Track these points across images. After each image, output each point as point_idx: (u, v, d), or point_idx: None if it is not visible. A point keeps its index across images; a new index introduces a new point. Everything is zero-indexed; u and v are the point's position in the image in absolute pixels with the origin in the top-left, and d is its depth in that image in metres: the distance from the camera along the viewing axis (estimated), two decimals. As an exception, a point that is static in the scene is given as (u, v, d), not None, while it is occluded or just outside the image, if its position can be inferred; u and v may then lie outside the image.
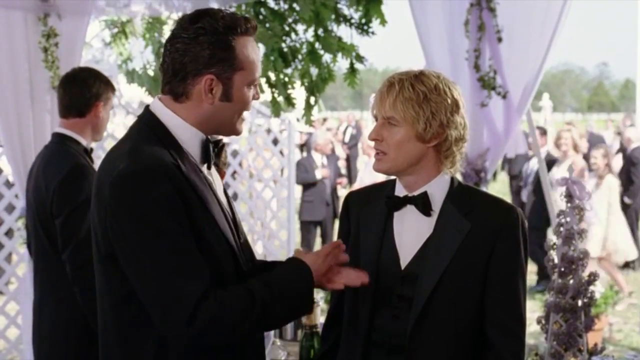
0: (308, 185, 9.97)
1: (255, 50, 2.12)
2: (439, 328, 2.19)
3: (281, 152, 7.78)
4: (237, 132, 2.17)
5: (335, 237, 2.52)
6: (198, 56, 2.04)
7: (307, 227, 9.97)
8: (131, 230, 1.94)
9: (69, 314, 3.35)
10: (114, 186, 1.96)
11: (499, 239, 2.21)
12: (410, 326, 2.19)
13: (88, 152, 3.48)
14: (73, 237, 3.27)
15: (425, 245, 2.23)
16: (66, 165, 3.34)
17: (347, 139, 18.20)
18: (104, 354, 2.13)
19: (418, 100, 2.17)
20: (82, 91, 3.47)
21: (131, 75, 5.37)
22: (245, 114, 2.22)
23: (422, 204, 2.24)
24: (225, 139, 2.31)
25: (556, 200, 4.35)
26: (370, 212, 2.34)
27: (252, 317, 1.96)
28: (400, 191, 2.30)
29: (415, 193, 2.26)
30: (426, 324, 2.19)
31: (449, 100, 2.20)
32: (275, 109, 4.92)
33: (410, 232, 2.26)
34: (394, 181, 2.35)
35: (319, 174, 9.93)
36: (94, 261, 2.12)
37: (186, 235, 1.95)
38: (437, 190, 2.26)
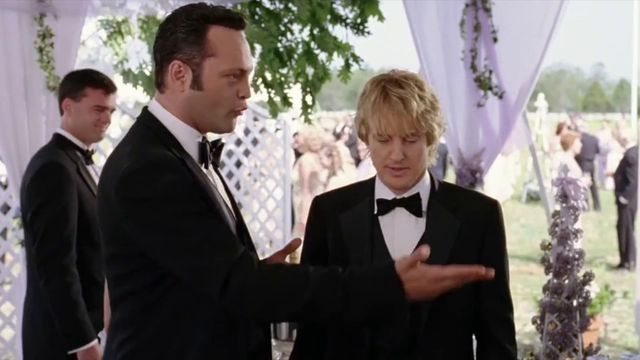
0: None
1: (235, 43, 2.06)
2: (441, 327, 2.19)
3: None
4: (222, 128, 2.12)
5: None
6: (169, 40, 2.04)
7: (303, 227, 9.94)
8: (151, 220, 1.94)
9: (43, 308, 3.35)
10: (120, 187, 1.96)
11: (487, 233, 2.24)
12: (415, 328, 2.18)
13: (85, 153, 3.47)
14: (39, 232, 3.28)
15: (419, 246, 2.23)
16: (40, 162, 3.35)
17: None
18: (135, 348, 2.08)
19: (432, 109, 2.17)
20: (59, 89, 3.55)
21: (127, 76, 5.36)
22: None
23: (415, 205, 2.23)
24: (223, 139, 2.29)
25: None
26: (351, 216, 2.28)
27: (304, 297, 1.87)
28: (386, 194, 2.27)
29: (406, 195, 2.24)
30: (429, 324, 2.19)
31: (437, 99, 2.22)
32: (273, 109, 4.92)
33: (402, 234, 2.24)
34: (371, 183, 2.31)
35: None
36: (104, 262, 2.10)
37: (205, 211, 1.96)
38: (424, 189, 2.26)
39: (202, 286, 1.95)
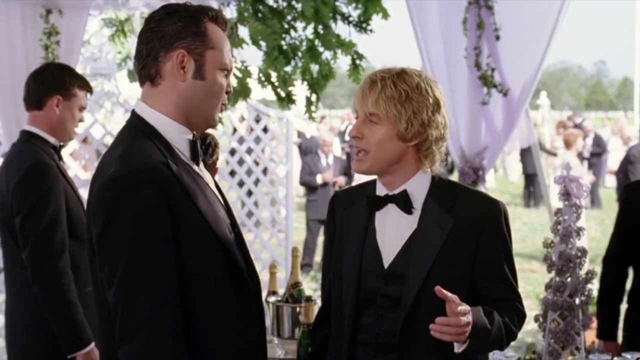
0: (312, 187, 10.12)
1: (225, 41, 2.13)
2: (428, 326, 2.18)
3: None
4: (211, 122, 2.16)
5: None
6: (169, 30, 2.05)
7: (312, 225, 10.10)
8: (111, 232, 1.94)
9: (36, 314, 3.24)
10: (101, 191, 1.97)
11: (483, 233, 2.23)
12: (399, 325, 2.20)
13: (57, 149, 3.39)
14: (31, 236, 3.17)
15: (408, 244, 2.24)
16: (26, 163, 3.25)
17: (347, 138, 18.15)
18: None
19: (400, 99, 2.17)
20: (42, 82, 3.40)
21: (132, 74, 5.38)
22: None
23: (403, 202, 2.24)
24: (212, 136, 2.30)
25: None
26: (352, 212, 2.34)
27: None
28: (380, 190, 2.31)
29: (396, 191, 2.26)
30: (415, 322, 2.19)
31: (431, 100, 2.20)
32: (282, 103, 4.90)
33: (392, 231, 2.27)
34: (375, 180, 2.35)
35: (319, 178, 10.03)
36: (89, 266, 2.10)
37: (165, 244, 1.94)
38: (417, 187, 2.26)
39: (115, 318, 1.94)
